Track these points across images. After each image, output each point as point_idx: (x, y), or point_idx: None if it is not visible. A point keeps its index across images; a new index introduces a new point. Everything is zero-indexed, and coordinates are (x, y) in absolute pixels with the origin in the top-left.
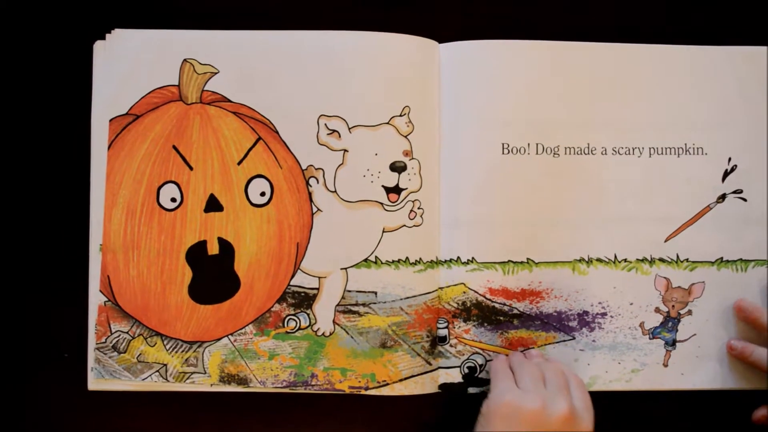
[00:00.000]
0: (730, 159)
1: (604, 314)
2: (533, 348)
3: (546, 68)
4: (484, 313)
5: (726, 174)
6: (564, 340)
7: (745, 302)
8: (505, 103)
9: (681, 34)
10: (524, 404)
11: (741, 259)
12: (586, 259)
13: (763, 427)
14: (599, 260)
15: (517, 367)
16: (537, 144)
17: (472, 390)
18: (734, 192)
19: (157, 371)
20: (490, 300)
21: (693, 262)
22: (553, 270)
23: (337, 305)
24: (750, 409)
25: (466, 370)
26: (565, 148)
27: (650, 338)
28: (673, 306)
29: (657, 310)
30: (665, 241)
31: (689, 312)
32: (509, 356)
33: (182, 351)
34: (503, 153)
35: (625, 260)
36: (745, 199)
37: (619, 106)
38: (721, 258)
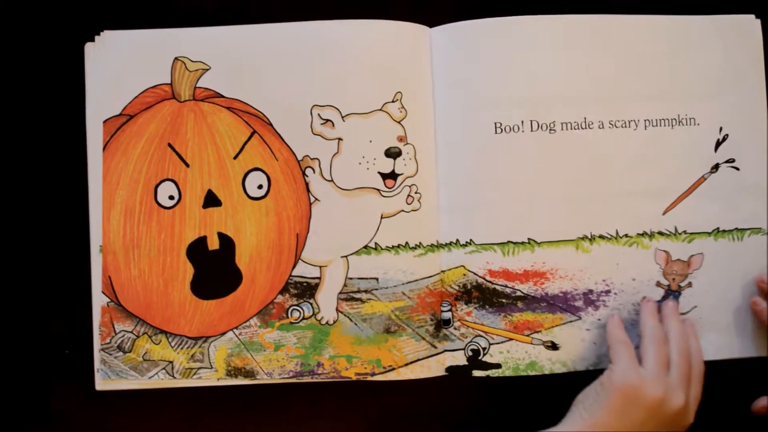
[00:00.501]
0: (721, 128)
1: (608, 292)
2: (671, 300)
3: (536, 44)
4: (484, 296)
5: (718, 144)
6: (570, 321)
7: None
8: (497, 82)
9: (669, 3)
10: (647, 391)
11: (737, 228)
12: (589, 237)
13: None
14: (602, 237)
15: (646, 339)
16: (531, 121)
17: (476, 373)
18: (727, 161)
19: (164, 368)
20: (490, 282)
21: (691, 233)
22: (557, 249)
23: (340, 293)
24: (751, 382)
25: (470, 353)
26: (561, 123)
27: None
28: (673, 279)
29: (658, 284)
30: (663, 214)
31: (689, 284)
32: (641, 316)
33: (187, 347)
34: (496, 132)
35: (626, 235)
36: (737, 168)
37: (613, 78)
38: (718, 228)
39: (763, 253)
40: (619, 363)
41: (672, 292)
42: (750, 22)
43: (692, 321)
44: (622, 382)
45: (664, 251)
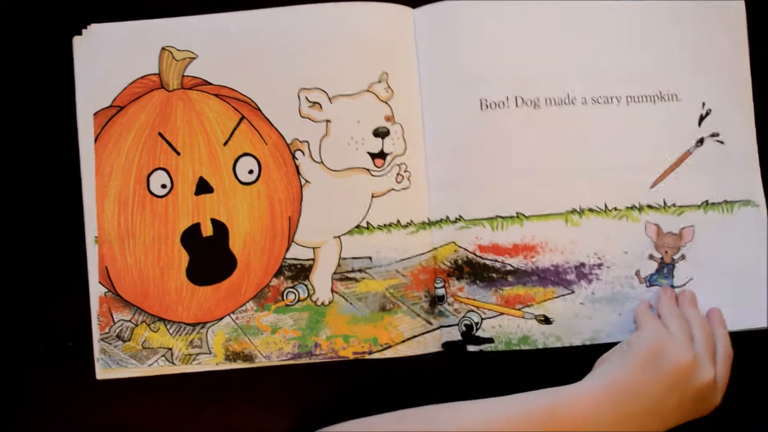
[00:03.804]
0: (704, 104)
1: (600, 265)
2: (687, 289)
3: (519, 21)
4: (475, 271)
5: (702, 118)
6: (563, 295)
7: None
8: (481, 59)
9: None
10: (674, 352)
11: (726, 201)
12: (578, 210)
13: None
14: (591, 210)
15: (667, 315)
16: (516, 97)
17: (471, 348)
18: (711, 135)
19: (163, 356)
20: (480, 257)
21: (680, 206)
22: (546, 223)
23: (334, 273)
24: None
25: (464, 328)
26: (545, 98)
27: (648, 286)
28: (666, 252)
29: (651, 257)
30: (651, 187)
31: (683, 257)
32: (660, 299)
33: (186, 333)
34: (482, 109)
35: (615, 208)
36: (722, 142)
37: (595, 55)
38: (707, 201)
39: (755, 225)
40: (647, 325)
41: (666, 265)
42: (736, 8)
43: (717, 310)
44: (652, 338)
45: (655, 224)
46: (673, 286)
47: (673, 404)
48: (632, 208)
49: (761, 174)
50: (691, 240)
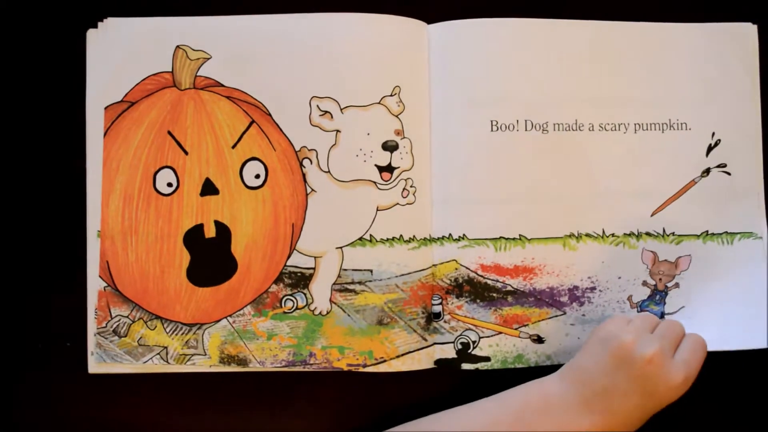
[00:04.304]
0: (713, 134)
1: (593, 288)
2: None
3: (533, 45)
4: (476, 290)
5: (710, 148)
6: (556, 315)
7: None
8: (494, 81)
9: (669, 10)
10: (618, 334)
11: (726, 232)
12: (576, 235)
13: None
14: (588, 235)
15: (636, 316)
16: (526, 120)
17: (465, 366)
18: (718, 166)
19: (158, 354)
20: (482, 276)
21: (679, 235)
22: (545, 246)
23: (334, 284)
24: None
25: (460, 346)
26: (554, 124)
27: (638, 311)
28: (660, 279)
29: (644, 283)
30: (651, 215)
31: (676, 285)
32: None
33: (182, 333)
34: (492, 130)
35: (613, 235)
36: (729, 173)
37: (606, 82)
38: (707, 231)
39: (754, 257)
40: (610, 318)
41: (658, 292)
42: (745, 29)
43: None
44: (601, 328)
45: (651, 251)
46: (663, 314)
47: (624, 384)
48: (630, 234)
49: (766, 206)
50: (686, 269)
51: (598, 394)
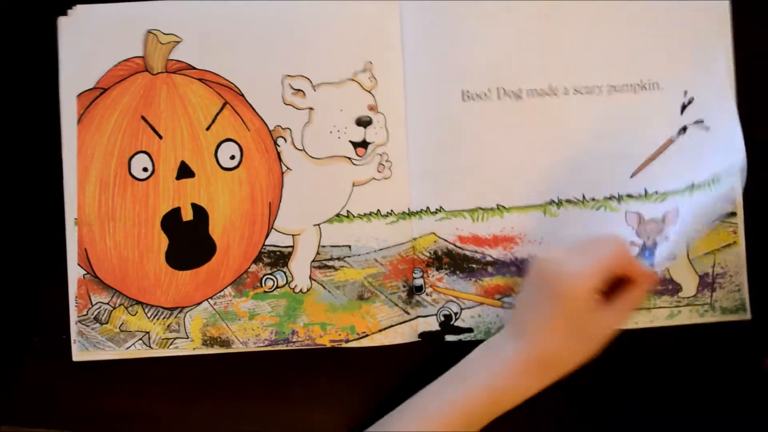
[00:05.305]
0: (686, 92)
1: None
2: None
3: (502, 15)
4: (455, 261)
5: (684, 107)
6: None
7: None
8: (463, 51)
9: None
10: (538, 255)
11: (713, 175)
12: (557, 201)
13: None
14: (569, 201)
15: None
16: (498, 88)
17: (449, 338)
18: (696, 122)
19: (140, 339)
20: (460, 248)
21: (663, 193)
22: (525, 214)
23: (313, 261)
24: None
25: (442, 318)
26: (527, 90)
27: None
28: (648, 237)
29: (632, 243)
30: (631, 177)
31: (666, 238)
32: None
33: (164, 318)
34: (463, 100)
35: (593, 199)
36: (708, 128)
37: (577, 46)
38: (692, 184)
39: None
40: None
41: (647, 248)
42: (722, 8)
43: None
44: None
45: (636, 213)
46: (653, 264)
47: (545, 305)
48: (611, 198)
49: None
50: (674, 222)
51: (532, 324)
